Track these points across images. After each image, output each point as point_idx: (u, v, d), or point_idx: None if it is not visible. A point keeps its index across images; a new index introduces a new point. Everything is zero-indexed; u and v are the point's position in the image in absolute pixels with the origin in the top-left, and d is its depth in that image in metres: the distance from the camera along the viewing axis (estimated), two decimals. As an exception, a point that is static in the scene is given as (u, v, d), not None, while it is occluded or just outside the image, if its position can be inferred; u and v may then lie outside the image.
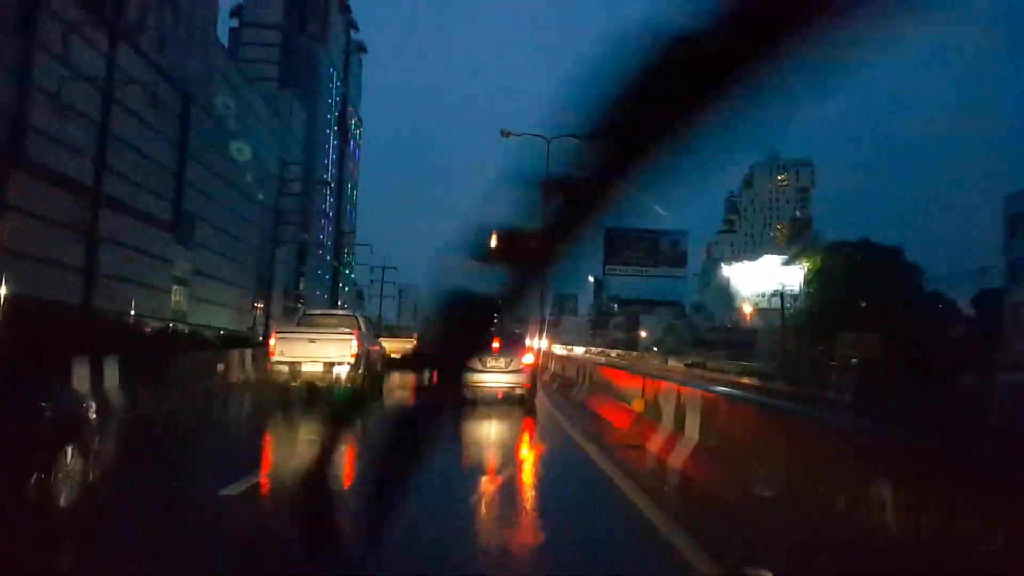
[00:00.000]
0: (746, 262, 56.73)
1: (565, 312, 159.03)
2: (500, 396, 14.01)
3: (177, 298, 60.88)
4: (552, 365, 22.23)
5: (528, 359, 13.85)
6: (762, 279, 51.93)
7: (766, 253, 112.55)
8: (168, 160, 57.34)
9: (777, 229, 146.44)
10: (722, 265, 57.01)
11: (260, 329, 45.92)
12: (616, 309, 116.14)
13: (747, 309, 48.09)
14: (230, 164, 68.46)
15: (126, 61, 34.48)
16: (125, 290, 49.59)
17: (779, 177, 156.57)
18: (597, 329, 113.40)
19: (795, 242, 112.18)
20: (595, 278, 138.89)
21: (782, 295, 43.29)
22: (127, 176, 47.94)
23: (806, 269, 51.45)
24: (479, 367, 13.05)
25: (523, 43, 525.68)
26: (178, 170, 58.99)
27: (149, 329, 25.79)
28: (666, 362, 39.89)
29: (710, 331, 68.56)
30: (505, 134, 26.96)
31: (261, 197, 68.30)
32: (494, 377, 13.47)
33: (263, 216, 59.99)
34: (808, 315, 47.29)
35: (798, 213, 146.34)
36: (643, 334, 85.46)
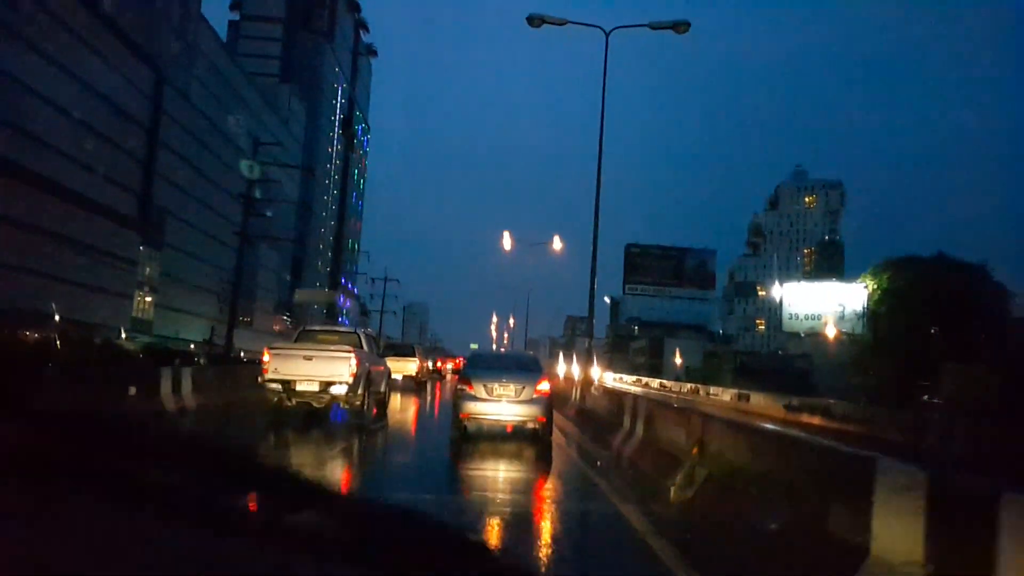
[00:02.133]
0: (802, 282, 49.33)
1: (577, 334, 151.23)
2: (509, 429, 12.35)
3: (142, 305, 53.06)
4: (640, 423, 10.14)
5: (544, 387, 11.75)
6: (819, 301, 44.82)
7: (795, 278, 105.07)
8: (135, 146, 49.85)
9: (805, 254, 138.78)
10: (779, 285, 49.61)
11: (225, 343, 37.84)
12: (636, 332, 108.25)
13: (830, 331, 40.03)
14: (211, 156, 61.10)
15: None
16: (71, 293, 41.93)
17: (807, 198, 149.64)
18: (615, 353, 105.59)
19: (824, 267, 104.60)
20: (611, 298, 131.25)
21: (874, 315, 35.37)
22: (71, 155, 40.53)
23: (870, 289, 45.22)
24: (484, 395, 11.48)
25: (529, 53, 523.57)
26: (147, 159, 51.44)
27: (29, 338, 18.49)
28: (743, 400, 30.59)
29: (755, 358, 60.35)
30: (536, 23, 18.68)
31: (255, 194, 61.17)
32: (503, 408, 11.51)
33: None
34: (884, 341, 40.93)
35: (827, 237, 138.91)
36: (677, 360, 76.85)
